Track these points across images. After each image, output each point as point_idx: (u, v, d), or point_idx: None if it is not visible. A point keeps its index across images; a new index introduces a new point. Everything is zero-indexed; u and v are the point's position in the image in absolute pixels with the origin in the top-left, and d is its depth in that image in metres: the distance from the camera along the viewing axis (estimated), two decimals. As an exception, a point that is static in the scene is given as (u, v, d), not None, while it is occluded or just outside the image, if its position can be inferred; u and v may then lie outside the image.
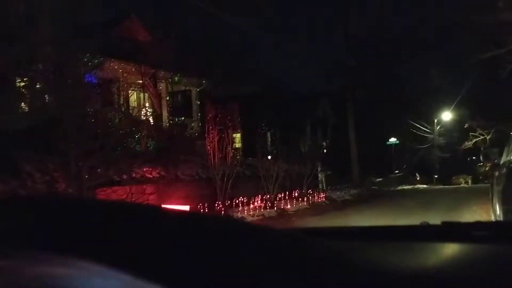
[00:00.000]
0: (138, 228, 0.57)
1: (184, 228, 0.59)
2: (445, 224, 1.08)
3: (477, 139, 27.23)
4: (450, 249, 0.89)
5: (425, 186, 29.94)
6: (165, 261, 0.51)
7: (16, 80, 11.39)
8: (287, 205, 14.69)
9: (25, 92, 11.08)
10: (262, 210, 13.46)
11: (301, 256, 0.59)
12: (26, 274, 0.56)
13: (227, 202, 12.67)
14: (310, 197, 16.42)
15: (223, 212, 12.20)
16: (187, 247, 0.54)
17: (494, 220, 6.57)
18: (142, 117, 15.03)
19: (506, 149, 6.45)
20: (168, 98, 17.54)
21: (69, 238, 0.55)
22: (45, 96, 10.87)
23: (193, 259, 0.52)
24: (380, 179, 27.75)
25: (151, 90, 16.30)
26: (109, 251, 0.53)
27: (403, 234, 1.09)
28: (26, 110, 11.16)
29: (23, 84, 11.27)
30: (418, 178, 33.30)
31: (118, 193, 10.67)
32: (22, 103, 11.27)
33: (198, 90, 19.08)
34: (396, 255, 0.84)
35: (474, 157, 30.90)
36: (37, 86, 10.94)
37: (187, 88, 18.81)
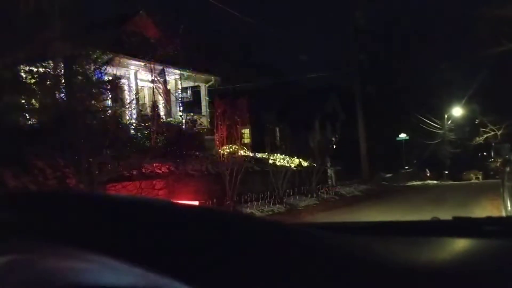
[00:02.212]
0: (149, 222, 0.58)
1: (196, 222, 0.59)
2: (456, 219, 1.08)
3: (488, 134, 26.96)
4: (461, 244, 0.89)
5: (435, 181, 29.76)
6: (176, 254, 0.52)
7: (27, 76, 11.47)
8: (296, 201, 14.68)
9: (35, 88, 11.15)
10: (271, 205, 13.46)
11: (311, 251, 0.59)
12: (40, 268, 0.56)
13: (236, 198, 12.69)
14: (319, 193, 16.39)
15: (232, 207, 12.22)
16: (199, 241, 0.54)
17: (505, 215, 6.53)
18: (152, 113, 15.09)
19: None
20: (177, 94, 17.59)
21: (82, 232, 0.56)
22: (56, 92, 10.94)
23: (205, 253, 0.52)
24: (390, 174, 27.62)
25: (160, 86, 16.34)
26: (121, 245, 0.53)
27: (414, 230, 1.08)
28: (37, 107, 11.24)
29: (34, 80, 11.35)
30: (428, 174, 33.10)
31: (128, 189, 10.73)
32: (33, 100, 11.35)
33: (207, 85, 19.10)
34: (406, 250, 0.84)
35: (485, 153, 30.61)
36: (48, 82, 11.01)
37: (197, 83, 18.84)
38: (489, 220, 1.09)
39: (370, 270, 0.55)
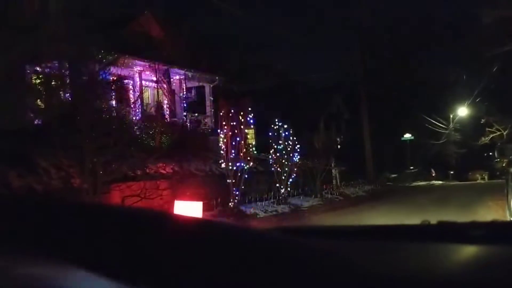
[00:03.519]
0: (125, 235, 0.58)
1: (170, 235, 0.60)
2: (441, 224, 1.08)
3: (494, 134, 26.79)
4: (445, 250, 0.89)
5: (440, 182, 29.63)
6: (149, 267, 0.52)
7: (32, 77, 11.54)
8: (300, 201, 14.67)
9: (41, 88, 11.21)
10: (275, 205, 13.45)
11: (289, 260, 0.59)
12: (13, 274, 0.57)
13: (240, 198, 12.69)
14: (323, 193, 16.37)
15: (236, 208, 12.22)
16: (173, 254, 0.55)
17: (509, 216, 6.50)
18: (156, 113, 15.13)
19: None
20: (181, 94, 17.62)
21: (57, 241, 0.57)
22: (60, 92, 10.99)
23: (179, 266, 0.53)
24: (395, 175, 27.53)
25: (165, 86, 16.38)
26: (95, 256, 0.54)
27: (398, 234, 1.09)
28: (42, 107, 11.30)
29: (39, 81, 11.42)
30: (433, 174, 32.95)
31: (132, 189, 10.76)
32: (38, 100, 11.42)
33: (211, 86, 19.11)
34: (387, 256, 0.84)
35: (490, 153, 30.41)
36: (53, 83, 11.07)
37: (201, 84, 18.86)
38: (474, 224, 1.09)
39: (351, 276, 0.56)
